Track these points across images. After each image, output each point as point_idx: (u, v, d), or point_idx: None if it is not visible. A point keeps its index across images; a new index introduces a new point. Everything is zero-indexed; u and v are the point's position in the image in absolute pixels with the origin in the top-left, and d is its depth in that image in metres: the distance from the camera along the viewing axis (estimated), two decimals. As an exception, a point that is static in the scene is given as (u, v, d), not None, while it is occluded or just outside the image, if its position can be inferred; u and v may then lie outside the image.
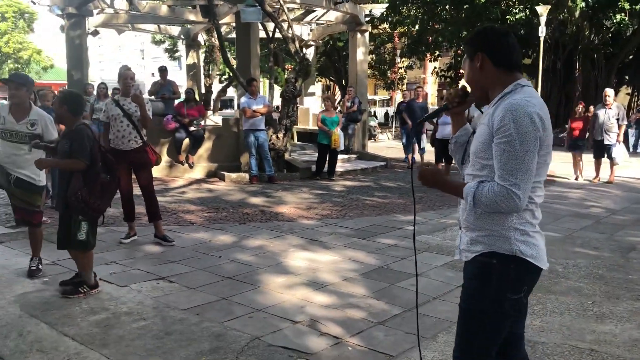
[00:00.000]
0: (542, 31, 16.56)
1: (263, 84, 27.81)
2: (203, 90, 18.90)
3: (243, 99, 10.54)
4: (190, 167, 11.20)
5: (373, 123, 23.82)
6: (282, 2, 11.75)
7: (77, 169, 4.20)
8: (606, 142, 10.77)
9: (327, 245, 5.98)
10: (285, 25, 11.66)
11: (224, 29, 16.43)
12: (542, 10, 16.44)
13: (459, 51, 22.43)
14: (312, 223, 7.11)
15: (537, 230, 2.13)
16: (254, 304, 4.23)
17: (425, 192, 8.84)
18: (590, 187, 10.46)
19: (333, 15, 15.37)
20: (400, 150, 15.73)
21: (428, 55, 25.18)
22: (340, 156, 12.14)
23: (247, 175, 10.59)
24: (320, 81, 31.40)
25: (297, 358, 3.36)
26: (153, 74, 40.48)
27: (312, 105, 18.66)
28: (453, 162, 2.33)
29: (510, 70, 2.13)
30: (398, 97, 28.44)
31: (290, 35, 11.47)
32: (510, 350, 2.28)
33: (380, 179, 11.41)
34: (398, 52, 27.22)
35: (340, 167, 11.98)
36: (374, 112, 30.28)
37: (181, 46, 27.40)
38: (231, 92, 27.37)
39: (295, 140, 15.66)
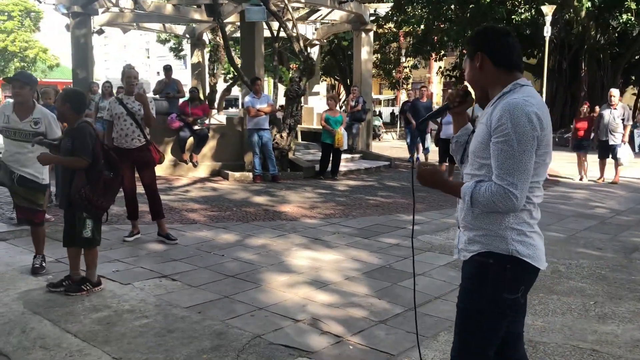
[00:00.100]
0: (547, 31, 16.50)
1: (268, 83, 27.82)
2: (208, 89, 18.92)
3: (247, 98, 10.56)
4: (194, 165, 11.22)
5: (377, 123, 23.78)
6: (286, 2, 11.75)
7: (80, 167, 4.22)
8: (611, 143, 10.73)
9: (329, 245, 5.99)
10: (289, 24, 11.67)
11: (228, 28, 16.44)
12: (548, 10, 16.39)
13: (464, 51, 22.25)
14: (315, 222, 7.12)
15: (534, 230, 2.12)
16: (255, 302, 4.24)
17: (428, 192, 8.84)
18: (594, 188, 10.43)
19: (338, 15, 15.36)
20: (404, 150, 15.71)
21: (433, 54, 25.13)
22: (344, 156, 12.14)
23: (250, 174, 10.61)
24: (325, 80, 31.37)
25: (298, 356, 3.37)
26: (158, 72, 40.61)
27: (316, 104, 18.63)
28: (457, 162, 2.33)
29: (510, 70, 2.13)
30: (403, 96, 28.39)
31: (294, 34, 11.48)
32: (508, 349, 2.28)
33: (384, 179, 11.41)
34: (403, 51, 27.16)
35: (344, 166, 11.98)
36: (379, 111, 30.24)
37: (186, 45, 27.43)
38: (236, 91, 27.41)
39: (299, 140, 15.68)
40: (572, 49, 22.15)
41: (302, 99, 13.16)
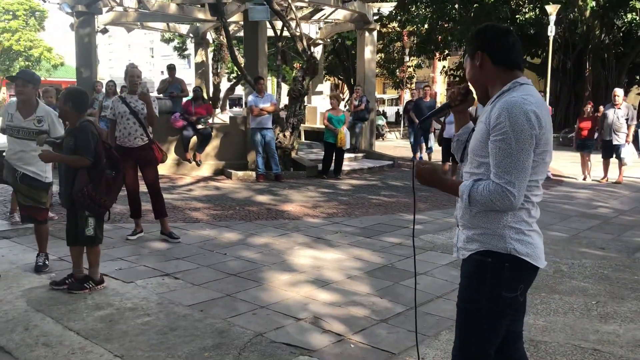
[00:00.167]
0: (551, 30, 16.47)
1: (271, 82, 27.84)
2: (211, 89, 18.95)
3: (250, 98, 10.57)
4: (198, 164, 11.24)
5: (381, 122, 23.78)
6: (290, 1, 11.77)
7: (82, 166, 4.24)
8: (615, 143, 10.70)
9: (332, 244, 6.00)
10: (293, 23, 11.67)
11: (232, 28, 16.47)
12: (552, 9, 16.36)
13: (467, 50, 22.34)
14: (317, 221, 7.12)
15: (533, 229, 2.12)
16: (257, 300, 4.25)
17: (431, 192, 8.83)
18: (598, 188, 10.40)
19: (341, 14, 15.37)
20: (408, 150, 15.72)
21: (437, 54, 25.14)
22: (347, 155, 12.14)
23: (253, 174, 10.62)
24: (329, 80, 31.37)
25: (300, 355, 3.38)
26: (162, 72, 40.66)
27: (319, 103, 18.64)
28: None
29: (510, 69, 2.13)
30: (407, 96, 28.37)
31: (298, 33, 11.48)
32: (508, 348, 2.28)
33: (387, 178, 11.40)
34: (407, 50, 27.14)
35: (347, 165, 11.98)
36: (384, 111, 30.21)
37: (190, 44, 27.49)
38: (240, 90, 27.46)
39: (303, 139, 15.67)
40: (577, 49, 22.11)
41: (306, 98, 13.18)
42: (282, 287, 4.58)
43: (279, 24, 13.34)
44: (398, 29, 25.05)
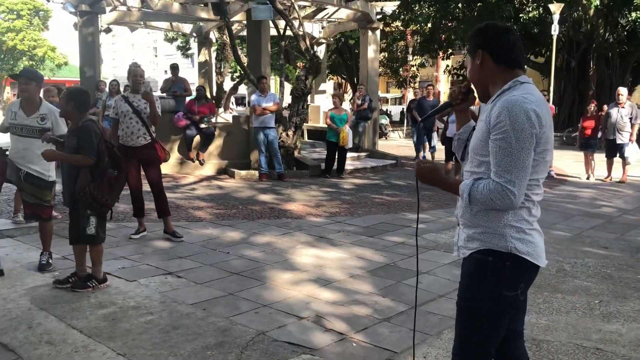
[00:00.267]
0: (555, 29, 16.42)
1: (275, 82, 27.85)
2: (215, 88, 18.96)
3: (253, 97, 10.58)
4: (201, 164, 11.26)
5: (384, 121, 23.75)
6: (292, 0, 11.76)
7: (85, 165, 4.26)
8: (618, 142, 10.67)
9: (334, 243, 6.00)
10: (296, 22, 11.67)
11: (235, 27, 16.48)
12: (556, 8, 16.32)
13: (470, 49, 22.30)
14: (320, 220, 7.13)
15: (534, 228, 2.12)
16: (260, 299, 4.26)
17: (434, 191, 8.82)
18: (601, 187, 10.38)
19: (344, 13, 15.34)
20: (411, 149, 15.69)
21: (440, 53, 25.09)
22: (350, 154, 12.14)
23: (256, 173, 10.63)
24: (332, 79, 31.37)
25: (302, 353, 3.38)
26: (166, 71, 40.80)
27: (322, 103, 18.63)
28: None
29: (511, 67, 2.12)
30: (410, 95, 28.34)
31: (301, 32, 11.48)
32: (509, 347, 2.28)
33: (390, 177, 11.40)
34: (410, 49, 27.10)
35: (349, 165, 11.98)
36: (388, 110, 30.17)
37: (193, 44, 27.51)
38: (243, 89, 27.47)
39: (306, 138, 15.68)
40: (581, 48, 22.04)
41: (309, 97, 13.18)
42: (285, 286, 4.59)
43: (282, 23, 13.33)
44: (401, 28, 25.04)
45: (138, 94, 6.04)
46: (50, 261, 4.94)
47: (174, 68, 13.02)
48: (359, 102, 13.96)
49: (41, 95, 5.10)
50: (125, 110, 5.98)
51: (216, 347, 3.43)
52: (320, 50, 17.49)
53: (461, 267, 2.24)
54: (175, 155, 11.04)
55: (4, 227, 6.33)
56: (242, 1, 12.01)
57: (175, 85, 12.75)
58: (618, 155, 10.82)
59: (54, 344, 3.45)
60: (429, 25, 22.32)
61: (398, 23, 23.29)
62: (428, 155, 14.13)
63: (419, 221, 6.63)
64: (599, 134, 11.25)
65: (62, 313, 3.92)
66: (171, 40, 33.63)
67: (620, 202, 8.86)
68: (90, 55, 12.95)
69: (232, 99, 23.39)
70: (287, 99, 15.29)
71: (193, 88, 13.22)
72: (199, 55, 19.20)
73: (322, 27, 17.90)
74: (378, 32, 15.51)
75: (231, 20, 13.10)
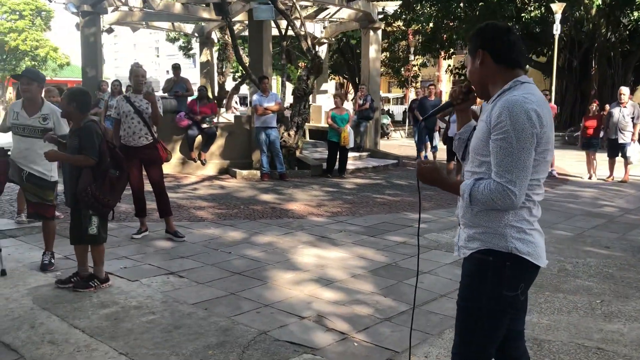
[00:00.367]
0: (557, 29, 16.41)
1: (276, 82, 27.86)
2: (216, 88, 18.97)
3: (255, 97, 10.59)
4: (203, 164, 11.27)
5: (386, 121, 23.75)
6: (294, 0, 11.77)
7: (87, 165, 4.27)
8: (620, 141, 10.66)
9: (336, 242, 6.01)
10: (297, 22, 11.68)
11: (237, 27, 16.48)
12: (557, 7, 16.30)
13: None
14: (321, 220, 7.13)
15: (534, 228, 2.12)
16: (261, 299, 4.27)
17: (436, 190, 8.82)
18: (603, 186, 10.37)
19: (346, 13, 15.35)
20: (412, 148, 15.68)
21: (442, 52, 25.08)
22: (351, 154, 12.14)
23: (258, 173, 10.65)
24: (334, 79, 31.36)
25: (303, 353, 3.39)
26: (168, 71, 40.84)
27: (324, 102, 18.63)
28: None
29: (511, 67, 2.12)
30: (412, 94, 28.34)
31: (302, 32, 11.49)
32: (509, 347, 2.28)
33: (392, 177, 11.40)
34: (412, 49, 27.10)
35: (351, 164, 11.98)
36: (390, 110, 30.16)
37: (195, 44, 27.53)
38: (245, 89, 27.49)
39: (307, 138, 15.68)
40: (583, 47, 22.02)
41: (310, 97, 13.18)
42: (286, 286, 4.59)
43: (283, 23, 13.35)
44: (403, 27, 25.02)
45: (140, 94, 6.04)
46: (53, 261, 4.95)
47: (176, 68, 13.03)
48: (361, 102, 13.96)
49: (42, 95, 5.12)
50: (127, 111, 5.99)
51: (218, 346, 3.44)
52: (322, 50, 17.49)
53: (462, 267, 2.25)
54: (177, 155, 11.06)
55: (7, 227, 6.35)
56: (244, 1, 12.02)
57: (177, 85, 12.76)
58: (620, 154, 10.81)
59: (56, 343, 3.46)
60: (431, 24, 22.31)
61: (400, 23, 23.27)
62: (430, 155, 14.12)
63: (420, 221, 6.64)
64: (601, 134, 11.23)
65: (65, 313, 3.93)
66: (173, 40, 33.69)
67: (622, 201, 8.85)
68: (92, 55, 12.98)
69: (237, 99, 23.40)
70: (289, 99, 15.30)
71: (195, 88, 13.23)
72: (200, 55, 19.22)
73: (324, 27, 17.89)
74: (380, 32, 15.51)
75: (233, 20, 13.10)
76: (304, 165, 11.36)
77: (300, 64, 23.87)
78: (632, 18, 18.57)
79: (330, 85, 22.85)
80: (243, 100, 29.75)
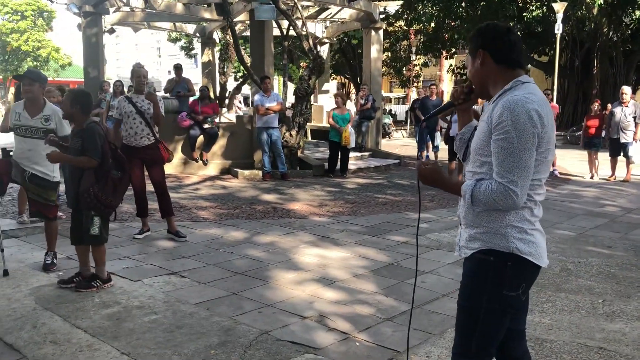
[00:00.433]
0: (558, 28, 16.38)
1: (278, 82, 27.88)
2: (218, 88, 18.99)
3: (256, 97, 10.60)
4: (204, 164, 11.29)
5: (387, 121, 23.76)
6: (296, 0, 11.77)
7: (89, 167, 4.28)
8: (622, 141, 10.65)
9: (337, 242, 6.01)
10: (299, 22, 11.68)
11: (238, 27, 16.49)
12: (559, 7, 16.28)
13: (473, 49, 22.33)
14: (323, 220, 7.14)
15: (536, 228, 2.12)
16: (263, 299, 4.27)
17: (438, 190, 8.78)
18: (605, 186, 10.35)
19: (347, 13, 15.36)
20: (414, 148, 15.67)
21: (444, 52, 25.08)
22: (353, 154, 12.14)
23: (260, 173, 10.65)
24: (335, 79, 31.38)
25: (305, 353, 3.39)
26: (169, 71, 40.84)
27: (326, 102, 18.66)
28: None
29: (512, 67, 2.12)
30: (414, 94, 28.33)
31: (304, 32, 11.49)
32: (510, 346, 2.28)
33: (393, 177, 11.40)
34: (413, 49, 27.10)
35: (353, 164, 11.99)
36: (391, 110, 30.16)
37: (197, 44, 27.56)
38: (247, 89, 27.50)
39: (309, 138, 15.69)
40: (584, 46, 22.00)
41: (312, 97, 13.18)
42: (288, 286, 4.60)
43: (285, 23, 13.35)
44: (404, 27, 25.02)
45: (141, 95, 6.05)
46: (55, 261, 4.97)
47: (178, 68, 13.05)
48: (362, 101, 13.96)
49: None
50: (128, 111, 5.99)
51: (219, 346, 3.45)
52: (324, 50, 17.49)
53: (463, 267, 2.25)
54: (178, 156, 11.07)
55: (9, 227, 6.36)
56: (245, 1, 12.04)
57: (178, 85, 12.78)
58: (622, 154, 10.79)
59: (59, 343, 3.47)
60: (432, 24, 22.32)
61: (401, 22, 23.28)
62: (431, 155, 14.12)
63: (422, 221, 6.64)
64: (603, 133, 11.22)
65: (67, 313, 3.94)
66: (174, 40, 33.72)
67: (624, 201, 8.84)
68: (94, 55, 13.00)
69: (240, 98, 23.43)
70: (290, 99, 15.31)
71: (196, 88, 13.25)
72: (202, 55, 19.25)
73: (325, 27, 17.91)
74: (381, 32, 15.52)
75: (234, 20, 13.11)
76: (306, 165, 11.36)
77: (301, 64, 23.89)
78: (634, 17, 18.56)
79: (331, 85, 22.87)
80: (246, 100, 29.78)
